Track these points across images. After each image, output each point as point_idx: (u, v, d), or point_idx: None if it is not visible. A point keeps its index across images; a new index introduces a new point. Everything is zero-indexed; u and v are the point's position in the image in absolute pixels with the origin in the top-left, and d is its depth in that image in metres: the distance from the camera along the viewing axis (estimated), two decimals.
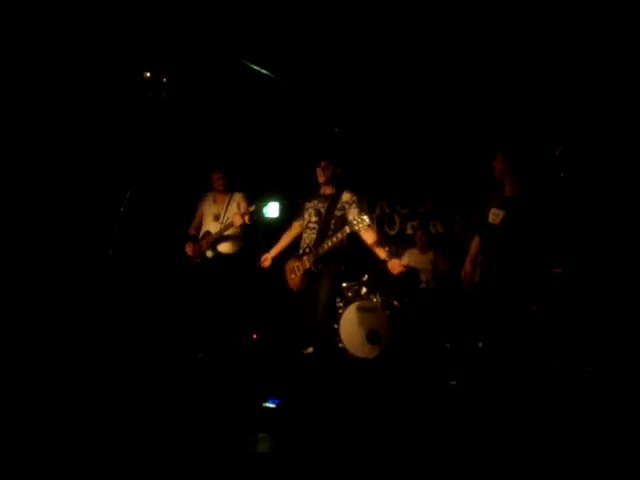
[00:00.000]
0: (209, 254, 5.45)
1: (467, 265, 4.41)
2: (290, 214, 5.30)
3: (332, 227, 4.44)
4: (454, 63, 5.50)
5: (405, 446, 3.13)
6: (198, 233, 5.62)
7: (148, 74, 5.42)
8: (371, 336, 5.82)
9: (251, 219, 5.24)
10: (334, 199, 4.54)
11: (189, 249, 5.54)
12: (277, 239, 4.93)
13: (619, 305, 5.04)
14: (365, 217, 4.12)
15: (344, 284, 6.44)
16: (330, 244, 4.30)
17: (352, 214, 4.36)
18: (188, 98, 6.15)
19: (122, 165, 5.65)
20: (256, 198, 5.45)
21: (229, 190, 5.63)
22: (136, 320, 5.60)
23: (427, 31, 5.01)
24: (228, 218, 5.40)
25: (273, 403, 3.83)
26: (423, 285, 6.52)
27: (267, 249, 4.88)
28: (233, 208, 5.49)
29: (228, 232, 5.41)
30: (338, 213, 4.48)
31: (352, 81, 6.06)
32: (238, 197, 5.59)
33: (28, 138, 5.35)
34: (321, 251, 4.36)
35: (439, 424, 3.58)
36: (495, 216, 4.13)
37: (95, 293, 5.02)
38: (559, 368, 4.31)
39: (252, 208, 5.23)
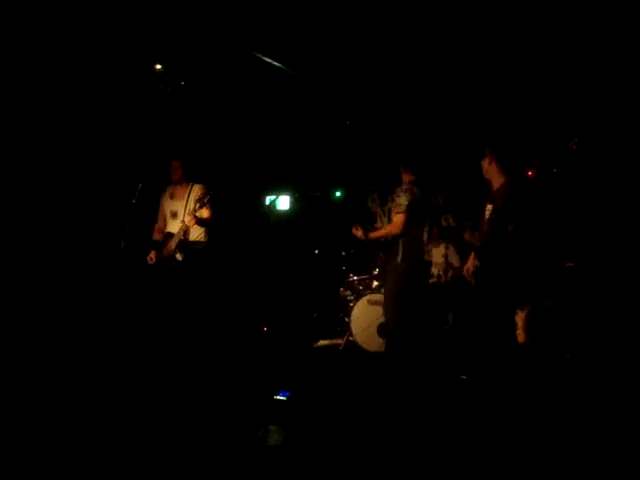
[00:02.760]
0: (180, 257, 4.81)
1: (470, 260, 4.38)
2: (300, 207, 5.29)
3: None
4: (462, 57, 5.47)
5: (414, 439, 3.13)
6: (162, 235, 5.01)
7: (159, 66, 5.43)
8: (382, 330, 5.80)
9: (210, 209, 4.74)
10: None
11: (149, 259, 4.91)
12: (287, 231, 4.89)
13: (631, 299, 4.99)
14: None
15: (355, 277, 6.43)
16: None
17: None
18: (200, 91, 6.14)
19: (134, 158, 5.68)
20: (268, 191, 5.39)
21: (188, 181, 4.96)
22: (148, 312, 5.60)
23: (440, 25, 4.98)
24: (184, 216, 4.78)
25: (284, 396, 3.84)
26: (434, 279, 6.49)
27: (278, 241, 4.85)
28: (192, 204, 4.77)
29: (192, 236, 4.86)
30: None
31: (363, 74, 6.02)
32: (197, 189, 4.89)
33: (41, 131, 5.37)
34: None
35: (448, 418, 3.57)
36: (488, 211, 4.14)
37: (108, 284, 5.04)
38: (571, 362, 4.29)
39: (206, 199, 4.66)
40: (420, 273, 4.62)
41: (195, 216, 4.65)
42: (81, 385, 3.80)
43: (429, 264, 5.68)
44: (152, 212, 5.12)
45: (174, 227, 4.87)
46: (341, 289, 6.61)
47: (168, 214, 4.95)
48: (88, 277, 5.51)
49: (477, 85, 5.96)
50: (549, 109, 5.89)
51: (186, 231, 4.81)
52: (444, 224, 7.54)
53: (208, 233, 4.95)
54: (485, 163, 4.24)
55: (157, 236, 5.06)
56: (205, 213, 4.76)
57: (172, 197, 4.97)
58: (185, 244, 4.81)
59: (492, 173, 4.20)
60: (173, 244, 4.81)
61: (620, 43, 4.76)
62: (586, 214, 4.53)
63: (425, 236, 4.55)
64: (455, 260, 6.53)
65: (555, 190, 4.83)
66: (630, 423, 3.32)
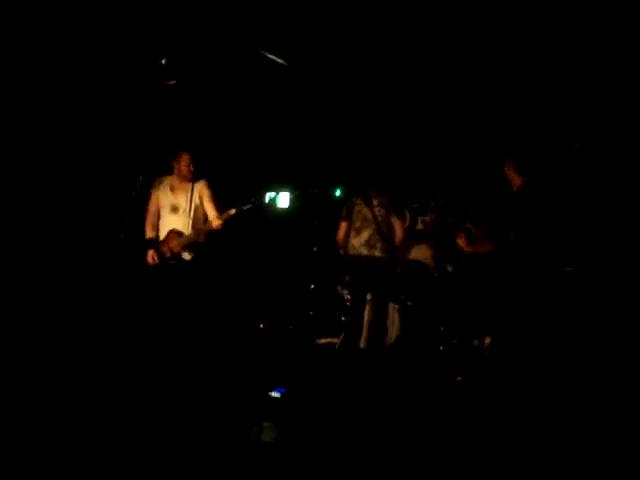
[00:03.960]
0: (187, 256, 4.74)
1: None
2: (300, 204, 5.29)
3: None
4: (465, 58, 5.47)
5: (409, 439, 3.13)
6: (157, 232, 4.86)
7: (163, 61, 5.41)
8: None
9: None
10: None
11: (151, 258, 4.73)
12: (286, 228, 4.92)
13: (630, 305, 5.00)
14: None
15: None
16: None
17: None
18: (201, 87, 6.13)
19: (134, 150, 5.66)
20: (267, 188, 5.39)
21: (193, 178, 4.88)
22: (148, 304, 5.57)
23: (442, 27, 4.98)
24: (191, 211, 4.75)
25: (279, 392, 3.84)
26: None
27: (277, 239, 4.86)
28: (196, 199, 4.79)
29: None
30: None
31: (365, 74, 6.02)
32: (201, 186, 4.86)
33: (42, 124, 5.35)
34: None
35: (444, 419, 3.58)
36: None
37: (107, 277, 5.02)
38: (567, 367, 4.30)
39: (233, 212, 4.66)
40: None
41: (225, 220, 4.62)
42: (80, 378, 3.80)
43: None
44: None
45: (174, 222, 4.75)
46: (338, 287, 6.62)
47: (167, 207, 4.79)
48: (88, 270, 5.49)
49: (478, 86, 5.97)
50: (549, 112, 5.89)
51: (199, 233, 4.74)
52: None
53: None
54: (506, 169, 4.49)
55: (152, 234, 4.86)
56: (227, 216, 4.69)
57: (172, 190, 4.82)
58: (196, 244, 4.73)
59: (512, 177, 4.44)
60: (182, 242, 4.70)
61: (623, 45, 4.77)
62: (585, 218, 4.55)
63: None
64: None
65: (555, 193, 4.86)
66: (626, 428, 3.33)
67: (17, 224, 5.13)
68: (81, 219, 5.59)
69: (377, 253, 5.03)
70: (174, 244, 4.70)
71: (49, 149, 5.40)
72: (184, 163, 4.79)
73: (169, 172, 4.91)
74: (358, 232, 5.11)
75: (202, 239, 4.81)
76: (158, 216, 4.86)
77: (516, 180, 4.41)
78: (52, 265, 5.33)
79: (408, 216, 8.12)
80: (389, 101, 6.68)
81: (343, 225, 5.27)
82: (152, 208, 4.86)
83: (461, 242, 5.87)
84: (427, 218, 7.79)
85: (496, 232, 4.91)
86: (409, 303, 6.14)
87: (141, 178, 4.78)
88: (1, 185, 5.07)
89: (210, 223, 4.73)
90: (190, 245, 4.73)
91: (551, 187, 4.26)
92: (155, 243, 4.79)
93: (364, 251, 5.04)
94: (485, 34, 4.99)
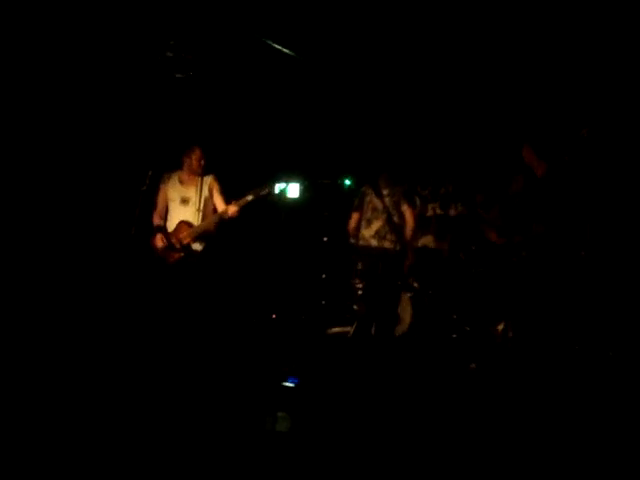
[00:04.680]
0: (197, 247, 4.78)
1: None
2: (310, 195, 5.28)
3: None
4: (473, 46, 5.42)
5: (422, 428, 3.14)
6: (165, 221, 4.90)
7: (170, 54, 5.41)
8: None
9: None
10: None
11: (160, 241, 4.77)
12: (297, 219, 4.93)
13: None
14: None
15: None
16: None
17: None
18: (209, 79, 6.12)
19: (145, 144, 5.68)
20: (277, 179, 5.39)
21: (203, 172, 4.90)
22: (159, 297, 5.61)
23: (450, 15, 4.93)
24: (200, 203, 4.76)
25: (292, 382, 3.86)
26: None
27: (287, 229, 4.87)
28: (205, 192, 4.82)
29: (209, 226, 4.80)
30: None
31: (374, 62, 5.98)
32: (210, 179, 4.89)
33: (53, 119, 5.38)
34: None
35: (457, 406, 3.58)
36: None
37: (119, 270, 5.06)
38: (579, 352, 4.29)
39: (250, 198, 4.70)
40: None
41: (241, 207, 4.64)
42: (89, 370, 3.84)
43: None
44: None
45: (184, 214, 4.79)
46: (350, 277, 6.62)
47: (177, 200, 4.83)
48: (100, 263, 5.53)
49: (484, 73, 5.91)
50: (559, 97, 5.83)
51: (210, 222, 4.79)
52: (454, 213, 7.51)
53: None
54: (526, 153, 4.52)
55: (158, 220, 4.91)
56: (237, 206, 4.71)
57: (182, 183, 4.87)
58: (206, 234, 4.76)
59: (534, 163, 4.47)
60: (192, 233, 4.71)
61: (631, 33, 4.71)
62: (597, 201, 4.53)
63: None
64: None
65: (564, 177, 4.85)
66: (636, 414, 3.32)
67: (30, 219, 5.18)
68: (93, 213, 5.63)
69: (387, 245, 5.03)
70: (184, 235, 4.74)
71: (60, 145, 5.43)
72: (195, 157, 4.83)
73: (178, 167, 4.95)
74: (369, 223, 5.12)
75: (213, 229, 4.85)
76: (166, 209, 4.90)
77: (537, 165, 4.40)
78: (64, 259, 5.38)
79: (418, 203, 8.12)
80: (398, 89, 6.64)
81: (355, 216, 5.28)
82: (160, 201, 4.91)
83: (493, 236, 5.86)
84: (436, 205, 7.79)
85: (509, 217, 4.87)
86: (421, 291, 6.15)
87: (151, 172, 4.79)
88: (15, 182, 5.12)
89: (225, 211, 4.74)
90: (200, 235, 4.76)
91: (573, 174, 4.25)
92: (164, 229, 4.81)
93: (374, 242, 5.04)
94: (492, 24, 4.94)
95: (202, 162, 4.83)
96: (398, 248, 5.07)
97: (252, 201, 4.72)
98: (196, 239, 4.76)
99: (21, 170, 5.17)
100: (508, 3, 4.76)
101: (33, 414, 3.01)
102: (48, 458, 2.55)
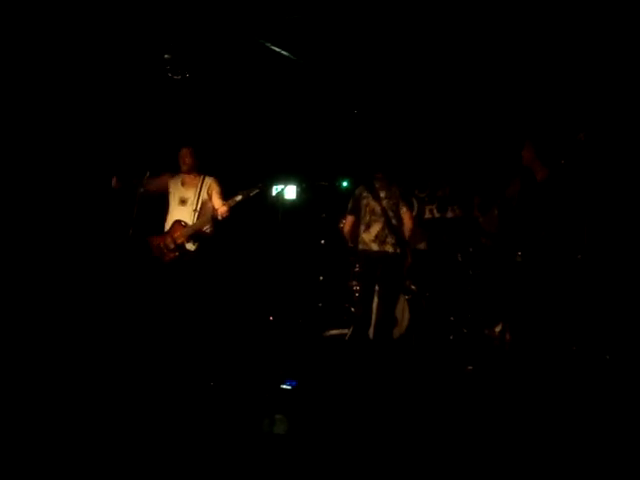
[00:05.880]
0: (191, 247, 4.80)
1: None
2: (307, 197, 5.27)
3: None
4: (472, 47, 5.42)
5: (419, 430, 3.14)
6: (144, 188, 4.85)
7: (167, 55, 5.41)
8: None
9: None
10: None
11: (155, 241, 4.84)
12: (294, 221, 4.92)
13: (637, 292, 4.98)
14: None
15: None
16: None
17: None
18: (206, 80, 6.12)
19: (142, 146, 5.68)
20: (274, 181, 5.38)
21: (199, 172, 4.97)
22: (156, 298, 5.60)
23: (448, 15, 4.94)
24: (197, 204, 4.82)
25: (289, 385, 3.86)
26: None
27: (284, 231, 4.87)
28: (204, 194, 4.88)
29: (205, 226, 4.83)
30: None
31: (371, 63, 5.98)
32: (211, 181, 4.95)
33: (50, 120, 5.37)
34: None
35: (454, 408, 3.58)
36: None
37: (116, 272, 5.05)
38: (576, 354, 4.29)
39: (239, 198, 4.70)
40: None
41: (230, 207, 4.66)
42: (88, 370, 3.83)
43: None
44: (160, 200, 5.10)
45: (180, 214, 4.83)
46: (347, 279, 6.62)
47: (176, 200, 4.90)
48: (97, 264, 5.52)
49: (489, 74, 5.92)
50: (556, 101, 5.85)
51: (203, 222, 4.80)
52: (451, 215, 7.51)
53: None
54: (526, 154, 4.46)
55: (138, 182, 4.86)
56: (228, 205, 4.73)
57: (183, 184, 4.93)
58: (199, 234, 4.79)
59: (535, 165, 4.43)
60: (186, 233, 4.74)
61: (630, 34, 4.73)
62: (594, 206, 4.53)
63: None
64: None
65: (564, 182, 4.86)
66: (634, 416, 3.33)
67: (28, 219, 5.18)
68: (90, 215, 5.63)
69: (388, 248, 4.97)
70: (178, 234, 4.77)
71: (57, 146, 5.43)
72: (185, 156, 4.90)
73: (177, 168, 5.00)
74: (368, 227, 5.05)
75: (209, 230, 4.88)
76: (166, 209, 4.95)
77: (539, 169, 4.39)
78: (61, 261, 5.37)
79: (416, 205, 8.12)
80: (395, 91, 6.65)
81: (349, 219, 5.23)
82: (157, 181, 4.94)
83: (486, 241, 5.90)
84: (434, 207, 7.80)
85: (507, 219, 4.88)
86: (418, 293, 6.15)
87: (148, 174, 4.80)
88: (13, 182, 5.12)
89: (216, 211, 4.79)
90: (194, 235, 4.79)
91: (570, 177, 4.27)
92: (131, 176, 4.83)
93: (375, 247, 4.99)
94: (491, 25, 4.96)
95: (194, 162, 4.90)
96: (399, 251, 5.03)
97: (241, 201, 4.73)
98: (190, 239, 4.78)
99: (19, 170, 5.17)
100: (504, 7, 4.78)
101: (33, 414, 3.01)
102: (48, 458, 2.55)
